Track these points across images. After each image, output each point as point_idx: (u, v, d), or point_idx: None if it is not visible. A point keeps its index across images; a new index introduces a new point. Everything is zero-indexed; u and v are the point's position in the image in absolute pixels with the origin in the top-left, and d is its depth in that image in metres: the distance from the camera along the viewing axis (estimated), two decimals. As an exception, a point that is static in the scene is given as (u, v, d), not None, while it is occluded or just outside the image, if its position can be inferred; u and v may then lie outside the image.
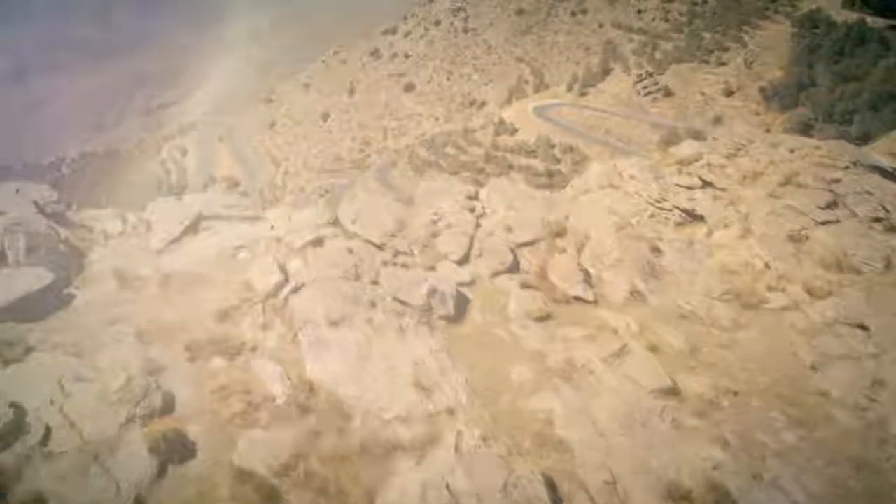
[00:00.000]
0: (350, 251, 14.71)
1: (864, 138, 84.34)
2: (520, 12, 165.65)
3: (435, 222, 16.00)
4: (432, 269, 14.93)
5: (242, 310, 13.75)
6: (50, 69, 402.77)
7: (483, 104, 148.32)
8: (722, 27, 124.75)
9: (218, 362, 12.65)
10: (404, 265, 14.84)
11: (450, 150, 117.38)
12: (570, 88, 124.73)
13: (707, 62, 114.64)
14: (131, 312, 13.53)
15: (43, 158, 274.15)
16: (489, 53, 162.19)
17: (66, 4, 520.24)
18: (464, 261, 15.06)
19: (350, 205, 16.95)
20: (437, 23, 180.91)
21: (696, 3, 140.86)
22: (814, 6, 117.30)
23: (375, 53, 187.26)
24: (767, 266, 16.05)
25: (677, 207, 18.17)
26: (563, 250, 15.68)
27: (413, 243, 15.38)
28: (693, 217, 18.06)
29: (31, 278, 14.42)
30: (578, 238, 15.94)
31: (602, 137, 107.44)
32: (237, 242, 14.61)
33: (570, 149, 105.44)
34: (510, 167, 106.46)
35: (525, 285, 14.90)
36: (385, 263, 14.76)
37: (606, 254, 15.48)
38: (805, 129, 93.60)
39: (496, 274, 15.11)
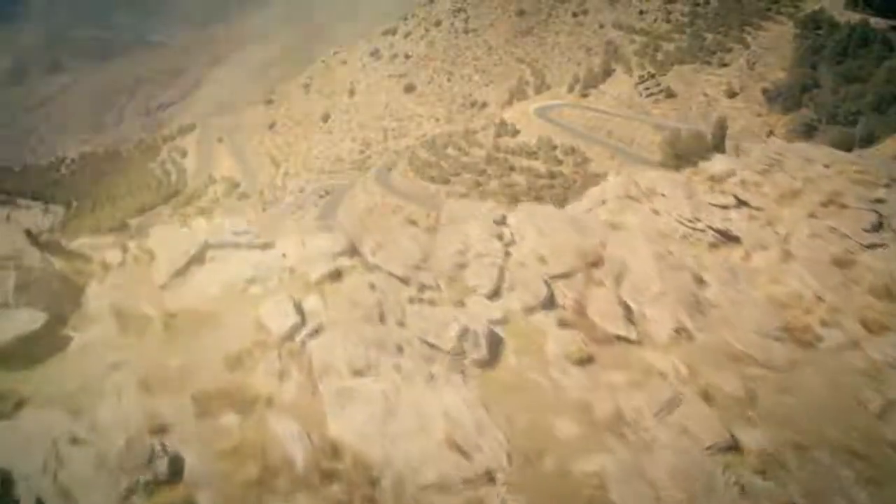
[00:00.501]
0: (372, 287, 13.29)
1: (868, 140, 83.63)
2: (520, 13, 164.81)
3: (462, 252, 14.61)
4: (461, 304, 13.51)
5: (255, 355, 12.41)
6: (50, 69, 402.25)
7: (484, 105, 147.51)
8: (724, 28, 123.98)
9: (230, 418, 11.35)
10: (431, 302, 13.42)
11: (450, 151, 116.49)
12: (571, 89, 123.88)
13: (709, 63, 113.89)
14: (133, 358, 12.18)
15: (42, 159, 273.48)
16: (490, 54, 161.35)
17: (66, 5, 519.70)
18: (494, 295, 13.67)
19: (369, 234, 15.62)
20: (438, 23, 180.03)
21: (697, 4, 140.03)
22: (816, 7, 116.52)
23: (375, 54, 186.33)
24: (818, 298, 14.87)
25: (711, 228, 17.00)
26: (601, 282, 14.35)
27: (439, 276, 13.98)
28: (728, 238, 16.89)
29: (22, 320, 13.00)
30: (616, 268, 14.60)
31: (604, 139, 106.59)
32: (247, 275, 13.22)
33: (572, 150, 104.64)
34: (511, 169, 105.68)
35: (562, 323, 13.59)
36: (411, 301, 13.33)
37: (647, 286, 14.16)
38: (808, 131, 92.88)
39: (530, 310, 13.70)
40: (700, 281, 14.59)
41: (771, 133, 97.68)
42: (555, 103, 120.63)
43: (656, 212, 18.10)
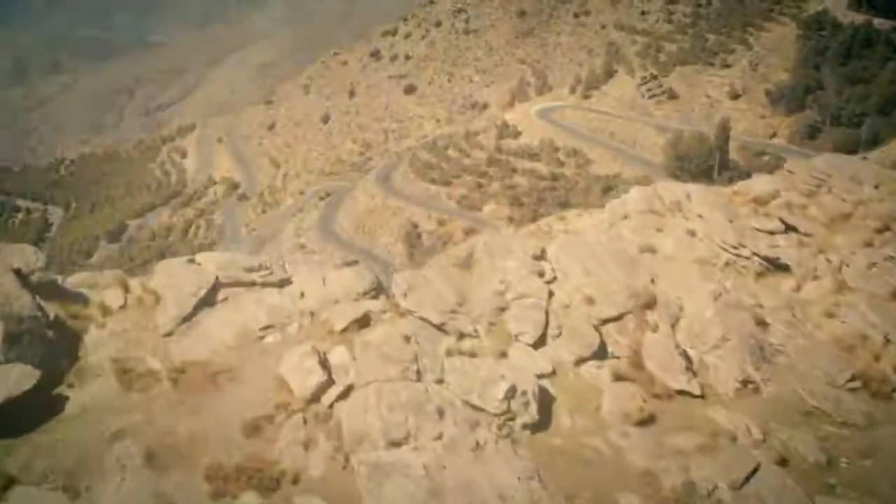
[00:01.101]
0: (407, 339, 11.61)
1: (873, 142, 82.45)
2: (521, 14, 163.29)
3: (501, 292, 12.94)
4: (504, 355, 11.87)
5: (277, 420, 10.63)
6: (50, 69, 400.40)
7: (485, 106, 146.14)
8: (726, 29, 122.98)
9: (250, 499, 9.80)
10: (472, 353, 11.75)
11: (452, 152, 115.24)
12: (573, 90, 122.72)
13: (712, 64, 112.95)
14: (138, 423, 10.28)
15: (42, 159, 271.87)
16: (491, 55, 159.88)
17: (66, 5, 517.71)
18: (540, 342, 12.03)
19: (400, 274, 13.92)
20: (438, 24, 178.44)
21: (699, 5, 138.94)
22: (819, 7, 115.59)
23: (376, 55, 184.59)
24: (886, 339, 13.45)
25: (757, 255, 15.43)
26: (656, 326, 12.81)
27: (478, 321, 12.27)
28: (776, 266, 15.37)
29: (12, 379, 11.02)
30: (671, 310, 12.99)
31: (606, 140, 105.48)
32: (263, 320, 11.46)
33: (574, 152, 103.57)
34: (513, 170, 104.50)
35: (617, 376, 11.97)
36: (449, 353, 11.65)
37: (706, 330, 12.60)
38: (812, 133, 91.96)
39: (581, 360, 12.07)
40: (761, 322, 13.11)
41: (774, 135, 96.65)
42: (557, 104, 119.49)
43: (692, 233, 16.42)
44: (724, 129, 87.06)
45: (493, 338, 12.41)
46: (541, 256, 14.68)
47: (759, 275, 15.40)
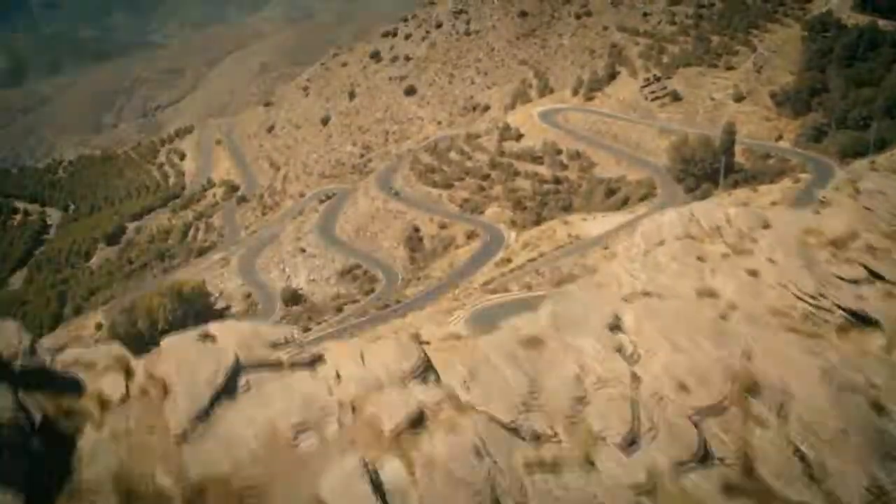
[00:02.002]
0: (478, 453, 9.33)
1: (880, 146, 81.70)
2: (522, 15, 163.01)
3: (579, 378, 10.69)
4: (591, 464, 9.66)
5: None
6: (49, 70, 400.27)
7: (486, 108, 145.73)
8: (730, 30, 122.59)
9: None
10: (554, 464, 9.56)
11: (453, 155, 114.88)
12: (575, 92, 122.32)
13: (715, 66, 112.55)
14: None
15: (40, 160, 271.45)
16: (492, 56, 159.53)
17: (65, 6, 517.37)
18: (630, 443, 9.84)
19: (454, 358, 11.58)
20: (439, 25, 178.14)
21: (702, 6, 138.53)
22: (824, 9, 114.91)
23: (376, 56, 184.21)
24: None
25: (839, 307, 12.89)
26: (764, 420, 10.68)
27: (554, 417, 10.16)
28: (862, 320, 12.80)
29: None
30: (777, 395, 10.82)
31: (609, 143, 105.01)
32: (296, 416, 9.24)
33: (577, 154, 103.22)
34: (516, 174, 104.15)
35: (728, 487, 9.74)
36: (528, 466, 9.41)
37: (821, 421, 10.43)
38: (818, 136, 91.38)
39: (681, 466, 9.87)
40: (878, 407, 11.02)
41: (780, 137, 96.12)
42: (559, 106, 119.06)
43: (754, 273, 13.93)
44: (730, 132, 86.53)
45: (574, 439, 10.08)
46: (617, 326, 12.32)
47: (842, 329, 13.02)
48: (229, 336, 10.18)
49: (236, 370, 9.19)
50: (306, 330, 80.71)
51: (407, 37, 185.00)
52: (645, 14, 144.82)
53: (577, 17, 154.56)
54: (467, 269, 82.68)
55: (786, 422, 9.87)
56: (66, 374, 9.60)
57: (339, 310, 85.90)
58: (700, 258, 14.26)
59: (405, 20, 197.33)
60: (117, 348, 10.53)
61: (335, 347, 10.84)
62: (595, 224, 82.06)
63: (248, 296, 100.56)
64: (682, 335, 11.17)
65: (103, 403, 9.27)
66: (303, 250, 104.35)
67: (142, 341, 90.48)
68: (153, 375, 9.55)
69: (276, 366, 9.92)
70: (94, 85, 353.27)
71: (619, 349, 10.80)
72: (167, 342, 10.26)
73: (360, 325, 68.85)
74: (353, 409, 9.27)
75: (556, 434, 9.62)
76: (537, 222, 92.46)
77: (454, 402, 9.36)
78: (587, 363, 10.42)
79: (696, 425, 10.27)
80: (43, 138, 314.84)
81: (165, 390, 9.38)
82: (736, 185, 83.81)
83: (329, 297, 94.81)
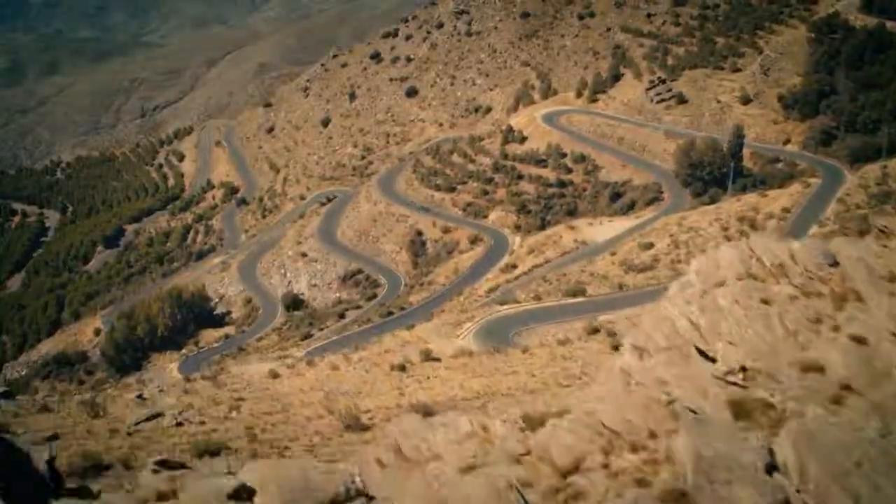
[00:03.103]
0: None
1: (891, 150, 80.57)
2: (525, 15, 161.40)
3: None
4: None
5: None
6: (47, 70, 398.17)
7: (488, 110, 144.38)
8: (735, 32, 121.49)
9: None
10: None
11: (456, 158, 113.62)
12: (579, 94, 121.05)
13: (721, 68, 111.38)
14: None
15: (39, 161, 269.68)
16: (494, 58, 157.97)
17: (63, 6, 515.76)
18: None
19: None
20: (440, 26, 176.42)
21: (707, 7, 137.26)
22: (831, 10, 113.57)
23: (376, 57, 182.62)
24: None
25: None
26: None
27: None
28: None
29: None
30: None
31: (614, 146, 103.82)
32: None
33: (582, 158, 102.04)
34: (520, 177, 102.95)
35: None
36: None
37: None
38: (827, 140, 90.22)
39: None
40: None
41: (788, 141, 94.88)
42: (563, 109, 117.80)
43: (861, 340, 10.94)
44: (739, 136, 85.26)
45: None
46: (774, 466, 9.21)
47: None
48: (272, 491, 7.94)
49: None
50: (308, 336, 79.42)
51: (408, 37, 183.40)
52: (649, 15, 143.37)
53: (580, 17, 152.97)
54: (471, 275, 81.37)
55: None
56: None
57: (342, 316, 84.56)
58: (765, 301, 12.52)
59: (406, 21, 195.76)
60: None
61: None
62: (601, 229, 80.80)
63: (249, 301, 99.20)
64: (856, 477, 8.29)
65: None
66: (304, 255, 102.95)
67: (141, 347, 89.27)
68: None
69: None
70: (93, 85, 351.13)
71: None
72: (188, 490, 7.24)
73: (364, 334, 67.48)
74: None
75: None
76: (542, 227, 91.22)
77: None
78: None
79: None
80: (41, 139, 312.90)
81: None
82: (744, 189, 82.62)
83: (331, 303, 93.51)
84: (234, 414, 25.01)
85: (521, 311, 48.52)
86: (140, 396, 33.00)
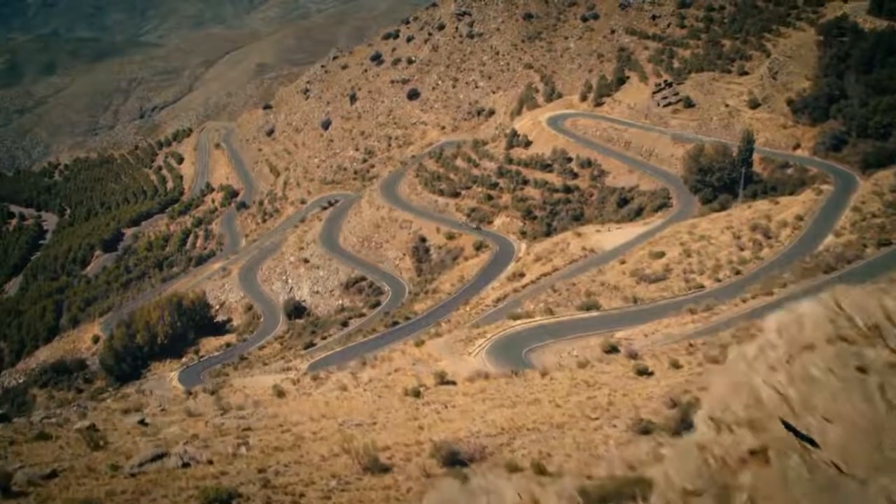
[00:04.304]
0: None
1: (904, 155, 79.25)
2: (527, 17, 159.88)
3: None
4: None
5: None
6: (45, 70, 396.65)
7: (491, 113, 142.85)
8: (742, 34, 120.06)
9: None
10: None
11: (460, 162, 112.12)
12: (584, 98, 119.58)
13: (729, 71, 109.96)
14: None
15: (36, 162, 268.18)
16: (496, 60, 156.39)
17: (61, 6, 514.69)
18: None
19: None
20: (441, 27, 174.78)
21: (713, 9, 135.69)
22: (839, 13, 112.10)
23: (377, 59, 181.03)
24: None
25: None
26: None
27: None
28: None
29: None
30: None
31: (621, 151, 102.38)
32: None
33: (588, 163, 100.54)
34: (525, 182, 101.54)
35: None
36: None
37: None
38: (838, 145, 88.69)
39: None
40: None
41: (798, 146, 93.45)
42: (568, 112, 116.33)
43: None
44: (749, 141, 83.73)
45: None
46: None
47: None
48: None
49: None
50: (310, 345, 77.97)
51: (409, 39, 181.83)
52: (654, 17, 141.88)
53: (584, 19, 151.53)
54: (478, 283, 79.91)
55: None
56: None
57: (345, 324, 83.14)
58: (861, 368, 11.09)
59: (406, 22, 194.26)
60: None
61: None
62: (610, 236, 79.25)
63: (250, 308, 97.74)
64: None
65: None
66: (306, 261, 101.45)
67: (140, 355, 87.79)
68: None
69: None
70: (91, 86, 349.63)
71: None
72: None
73: (370, 345, 65.96)
74: None
75: None
76: (548, 233, 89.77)
77: None
78: None
79: None
80: (39, 139, 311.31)
81: None
82: (755, 196, 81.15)
83: (333, 311, 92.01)
84: (243, 450, 23.44)
85: (534, 326, 47.00)
86: (142, 422, 31.52)
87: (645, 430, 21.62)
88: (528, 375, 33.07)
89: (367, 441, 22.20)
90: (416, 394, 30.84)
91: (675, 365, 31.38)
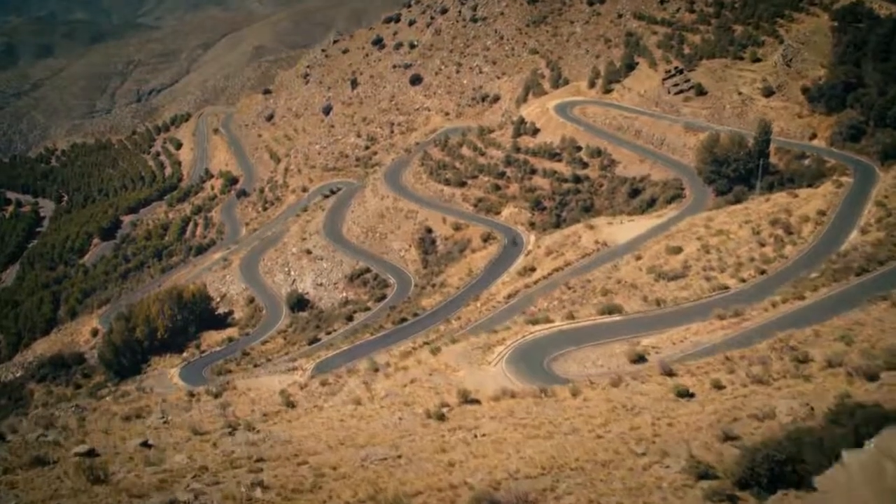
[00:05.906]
0: None
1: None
2: (532, 1, 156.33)
3: None
4: None
5: None
6: (41, 53, 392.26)
7: (496, 99, 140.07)
8: (754, 19, 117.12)
9: None
10: None
11: (466, 151, 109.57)
12: (592, 84, 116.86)
13: (741, 58, 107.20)
14: None
15: (33, 146, 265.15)
16: (501, 45, 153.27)
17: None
18: None
19: None
20: (444, 11, 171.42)
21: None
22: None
23: (378, 43, 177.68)
24: None
25: None
26: None
27: None
28: None
29: None
30: None
31: (631, 139, 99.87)
32: None
33: (598, 152, 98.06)
34: (533, 171, 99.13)
35: None
36: None
37: None
38: (855, 135, 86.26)
39: None
40: None
41: (814, 136, 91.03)
42: (576, 100, 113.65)
43: None
44: (766, 132, 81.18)
45: None
46: None
47: None
48: None
49: None
50: (315, 340, 75.88)
51: (411, 23, 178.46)
52: (662, 1, 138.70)
53: (590, 3, 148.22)
54: (486, 277, 77.72)
55: None
56: None
57: (350, 318, 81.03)
58: None
59: (408, 5, 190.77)
60: None
61: None
62: (622, 229, 76.87)
63: (252, 300, 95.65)
64: None
65: None
66: (308, 252, 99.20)
67: (140, 350, 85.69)
68: None
69: None
70: (87, 68, 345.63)
71: None
72: None
73: (377, 344, 63.91)
74: None
75: None
76: (557, 224, 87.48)
77: None
78: None
79: None
80: (36, 123, 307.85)
81: None
82: (772, 188, 78.77)
83: (338, 304, 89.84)
84: (258, 492, 21.28)
85: (554, 332, 44.84)
86: (145, 444, 29.51)
87: (704, 474, 19.53)
88: (557, 394, 30.94)
89: (397, 490, 20.08)
90: (440, 417, 28.72)
91: (717, 385, 29.25)
